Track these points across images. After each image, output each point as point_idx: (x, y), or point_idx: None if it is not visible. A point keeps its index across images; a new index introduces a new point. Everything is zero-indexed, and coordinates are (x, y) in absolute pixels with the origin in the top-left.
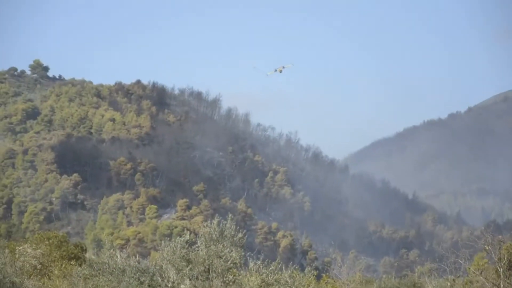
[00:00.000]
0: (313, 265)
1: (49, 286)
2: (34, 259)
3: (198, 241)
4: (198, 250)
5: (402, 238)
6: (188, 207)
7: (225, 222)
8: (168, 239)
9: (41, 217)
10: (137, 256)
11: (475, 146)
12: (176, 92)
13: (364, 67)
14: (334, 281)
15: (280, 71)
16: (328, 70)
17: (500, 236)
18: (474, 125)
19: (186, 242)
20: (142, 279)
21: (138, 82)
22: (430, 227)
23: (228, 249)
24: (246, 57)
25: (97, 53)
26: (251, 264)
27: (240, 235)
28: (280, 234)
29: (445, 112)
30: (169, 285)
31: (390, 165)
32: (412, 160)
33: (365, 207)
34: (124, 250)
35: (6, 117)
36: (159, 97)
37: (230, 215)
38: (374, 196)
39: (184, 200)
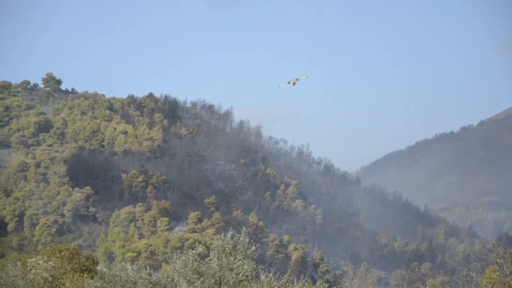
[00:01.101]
0: (325, 278)
1: None
2: (46, 271)
3: (211, 253)
4: (209, 263)
5: (414, 250)
6: (200, 220)
7: (239, 235)
8: (179, 251)
9: (53, 230)
10: (149, 268)
11: (487, 159)
12: (188, 105)
13: (376, 81)
14: None
15: (294, 83)
16: (341, 84)
17: None
18: (486, 138)
19: (199, 255)
20: None
21: (150, 95)
22: (442, 240)
23: (240, 261)
24: (259, 70)
25: (109, 66)
26: (262, 277)
27: (253, 248)
28: (291, 246)
29: (457, 125)
30: None
31: (402, 178)
32: (424, 173)
33: (377, 219)
34: (135, 262)
35: (18, 130)
36: (171, 110)
37: (244, 228)
38: (386, 209)
39: (196, 212)
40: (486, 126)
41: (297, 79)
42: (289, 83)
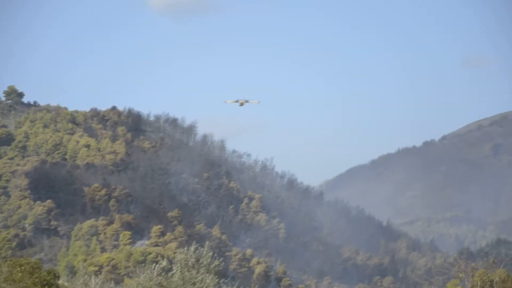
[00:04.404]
0: None
1: None
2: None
3: (174, 267)
4: (172, 277)
5: (376, 265)
6: (163, 234)
7: (202, 249)
8: (142, 265)
9: (14, 244)
10: (111, 282)
11: (449, 174)
12: (152, 118)
13: (339, 95)
14: None
15: (241, 104)
16: (304, 98)
17: (473, 264)
18: (448, 153)
19: (163, 269)
20: None
21: (114, 108)
22: (404, 254)
23: (202, 275)
24: (222, 85)
25: (72, 79)
26: None
27: (216, 262)
28: (254, 260)
29: (419, 140)
30: None
31: (365, 192)
32: (387, 187)
33: (340, 234)
34: (98, 276)
35: None
36: (135, 123)
37: (207, 242)
38: (349, 223)
39: (159, 226)
40: (448, 141)
41: (247, 101)
42: (236, 101)
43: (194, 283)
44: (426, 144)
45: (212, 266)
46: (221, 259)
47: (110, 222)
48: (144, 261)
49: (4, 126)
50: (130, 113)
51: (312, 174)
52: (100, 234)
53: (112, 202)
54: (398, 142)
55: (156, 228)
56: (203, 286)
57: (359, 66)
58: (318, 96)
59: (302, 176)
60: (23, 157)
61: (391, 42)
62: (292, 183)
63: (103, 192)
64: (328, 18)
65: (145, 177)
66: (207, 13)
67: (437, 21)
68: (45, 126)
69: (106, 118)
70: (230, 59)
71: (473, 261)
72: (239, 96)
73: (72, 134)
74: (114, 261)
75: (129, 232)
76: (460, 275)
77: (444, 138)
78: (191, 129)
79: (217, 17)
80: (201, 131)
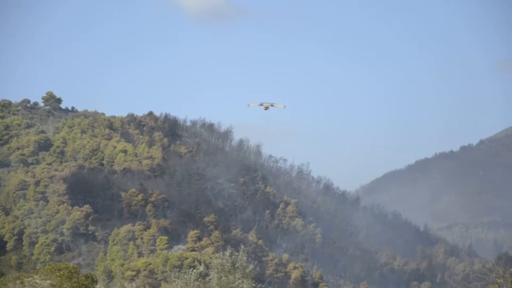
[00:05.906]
0: None
1: None
2: None
3: (211, 272)
4: (210, 282)
5: (413, 270)
6: (199, 239)
7: (238, 253)
8: (178, 270)
9: (52, 248)
10: (148, 287)
11: (487, 179)
12: (188, 123)
13: (375, 99)
14: None
15: (266, 108)
16: (339, 103)
17: (511, 269)
18: (485, 158)
19: (200, 274)
20: None
21: (150, 113)
22: (442, 259)
23: (239, 280)
24: (257, 90)
25: (109, 85)
26: None
27: (251, 266)
28: (291, 265)
29: (456, 144)
30: None
31: (401, 197)
32: (424, 192)
33: (376, 239)
34: (135, 281)
35: (18, 148)
36: (171, 128)
37: (242, 247)
38: (386, 228)
39: (195, 231)
40: (485, 146)
41: (272, 105)
42: (261, 105)
43: None
44: (463, 148)
45: (247, 270)
46: (256, 263)
47: (147, 227)
48: (181, 266)
49: (43, 131)
50: (166, 118)
51: (348, 179)
52: (137, 239)
53: (148, 207)
54: (435, 147)
55: (192, 233)
56: None
57: (394, 69)
58: (354, 101)
59: (338, 181)
60: (61, 162)
61: (425, 45)
62: (328, 188)
63: (140, 197)
64: (362, 18)
65: (181, 182)
66: (240, 20)
67: (471, 23)
68: (83, 132)
69: (142, 123)
70: (264, 64)
71: (511, 267)
72: (263, 100)
73: (109, 139)
74: (151, 265)
75: (166, 237)
76: (499, 281)
77: (481, 142)
78: (227, 134)
79: (250, 23)
80: (237, 136)
